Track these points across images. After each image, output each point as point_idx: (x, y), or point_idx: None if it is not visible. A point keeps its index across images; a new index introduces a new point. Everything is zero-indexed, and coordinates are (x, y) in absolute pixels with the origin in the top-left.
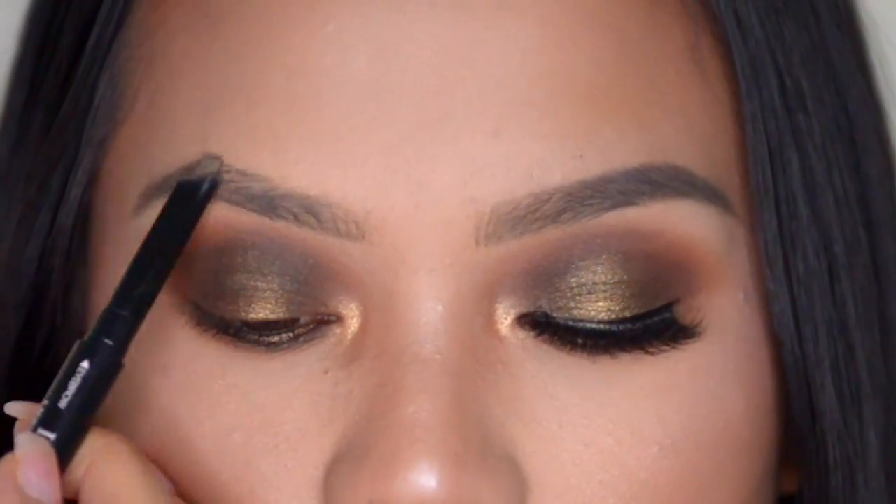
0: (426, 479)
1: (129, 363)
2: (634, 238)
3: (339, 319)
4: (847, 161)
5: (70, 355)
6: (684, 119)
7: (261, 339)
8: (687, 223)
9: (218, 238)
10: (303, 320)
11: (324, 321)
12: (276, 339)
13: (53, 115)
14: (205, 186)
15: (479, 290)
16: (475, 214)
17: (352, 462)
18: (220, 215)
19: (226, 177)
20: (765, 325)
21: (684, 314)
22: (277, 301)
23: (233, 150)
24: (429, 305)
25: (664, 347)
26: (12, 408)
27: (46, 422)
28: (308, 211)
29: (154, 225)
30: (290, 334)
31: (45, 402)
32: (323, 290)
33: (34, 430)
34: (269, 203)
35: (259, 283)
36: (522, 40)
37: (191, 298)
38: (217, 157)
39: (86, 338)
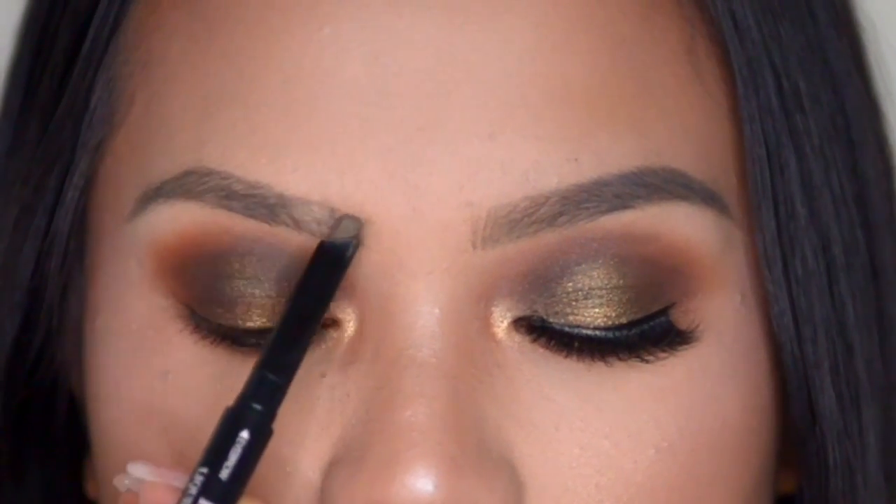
0: (423, 482)
1: (126, 369)
2: (630, 241)
3: (335, 323)
4: (845, 162)
5: (221, 422)
6: (680, 121)
7: (258, 343)
8: (683, 226)
9: (215, 245)
10: None
11: (321, 326)
12: None
13: (49, 118)
14: (350, 251)
15: (475, 293)
16: (472, 218)
17: (349, 465)
18: (217, 221)
19: (223, 183)
20: (763, 326)
21: (681, 318)
22: (274, 308)
23: (230, 156)
24: (425, 309)
25: (661, 354)
26: (138, 470)
27: (209, 493)
28: (306, 216)
29: (298, 287)
30: None
31: (204, 469)
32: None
33: (195, 501)
34: (268, 209)
35: (256, 290)
36: (518, 43)
37: (189, 304)
38: (358, 220)
39: (235, 404)
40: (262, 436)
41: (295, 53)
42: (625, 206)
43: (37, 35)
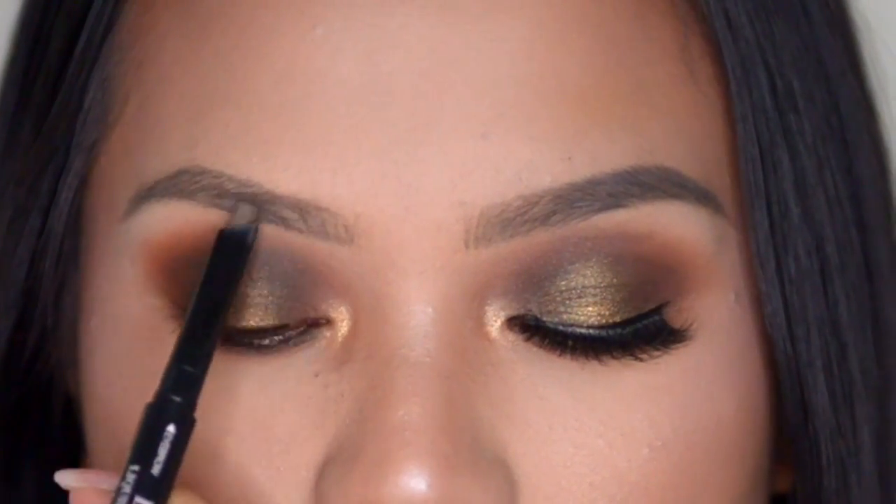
0: (416, 482)
1: (121, 369)
2: (624, 240)
3: (328, 323)
4: (839, 161)
5: (144, 418)
6: (674, 120)
7: (251, 343)
8: (677, 225)
9: (209, 244)
10: (292, 324)
11: (314, 324)
12: (266, 342)
13: (44, 118)
14: (250, 236)
15: (468, 292)
16: (464, 217)
17: (342, 465)
18: (210, 220)
19: (215, 182)
20: (756, 325)
21: (675, 317)
22: (267, 307)
23: (222, 156)
24: (418, 308)
25: (655, 353)
26: (66, 477)
27: (143, 489)
28: (298, 215)
29: (203, 277)
30: (280, 338)
31: (135, 467)
32: (313, 294)
33: (130, 499)
34: (260, 208)
35: (249, 290)
36: (511, 43)
37: (181, 304)
38: (253, 204)
39: (155, 399)
40: (185, 427)
41: (287, 53)
42: (618, 205)
43: (31, 35)
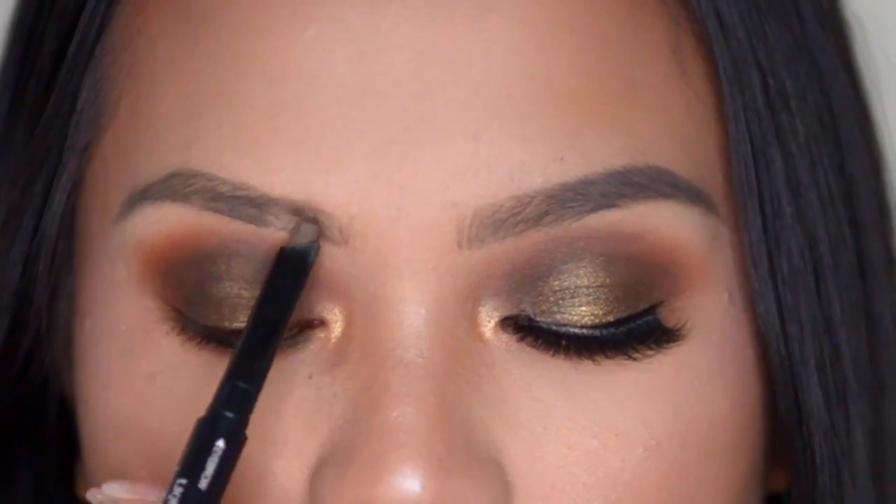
0: (410, 483)
1: (115, 371)
2: (617, 240)
3: (322, 324)
4: (832, 160)
5: (195, 432)
6: (666, 120)
7: None
8: (670, 225)
9: (202, 246)
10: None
11: (307, 326)
12: None
13: (37, 120)
14: (311, 256)
15: (462, 293)
16: (457, 218)
17: (336, 466)
18: (204, 223)
19: (208, 184)
20: (750, 325)
21: (668, 316)
22: None
23: (216, 158)
24: (412, 309)
25: (648, 352)
26: (114, 489)
27: (189, 503)
28: (292, 217)
29: (263, 294)
30: None
31: (183, 481)
32: (306, 297)
33: None
34: (254, 210)
35: (243, 292)
36: (503, 43)
37: (175, 306)
38: (315, 223)
39: (208, 413)
40: (236, 444)
41: (280, 55)
42: (611, 205)
43: (24, 37)
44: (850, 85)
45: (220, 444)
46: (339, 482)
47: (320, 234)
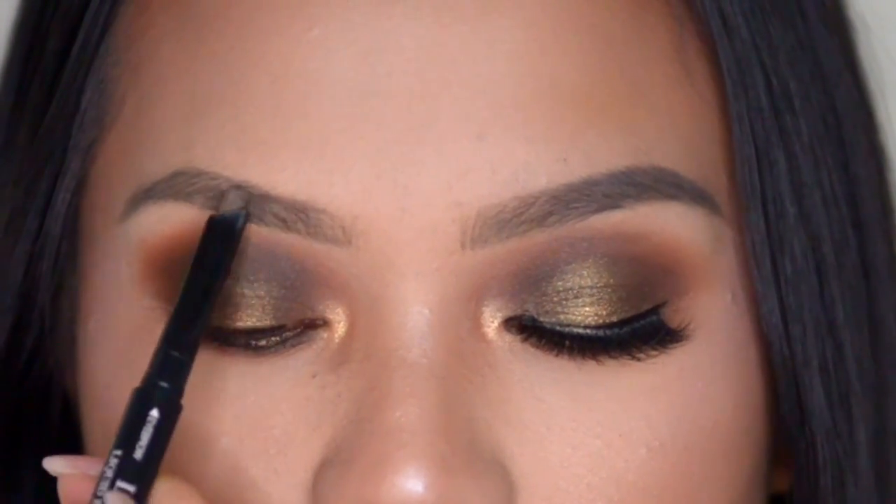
0: (413, 483)
1: (118, 370)
2: (620, 241)
3: (326, 324)
4: (835, 161)
5: (131, 403)
6: (670, 120)
7: (248, 343)
8: (673, 225)
9: None
10: (289, 325)
11: (311, 326)
12: (263, 343)
13: (40, 120)
14: (239, 222)
15: (465, 293)
16: (461, 218)
17: (340, 466)
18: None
19: (212, 183)
20: (753, 325)
21: (672, 317)
22: (264, 308)
23: (219, 157)
24: (415, 309)
25: (652, 352)
26: (54, 464)
27: (125, 473)
28: (296, 216)
29: (192, 263)
30: (278, 339)
31: (118, 452)
32: (310, 296)
33: (112, 484)
34: (257, 209)
35: (246, 291)
36: (507, 43)
37: None
38: (242, 189)
39: (142, 384)
40: (171, 413)
41: (284, 54)
42: (614, 206)
43: (27, 37)
44: (854, 85)
45: (155, 413)
46: (343, 482)
47: (248, 200)
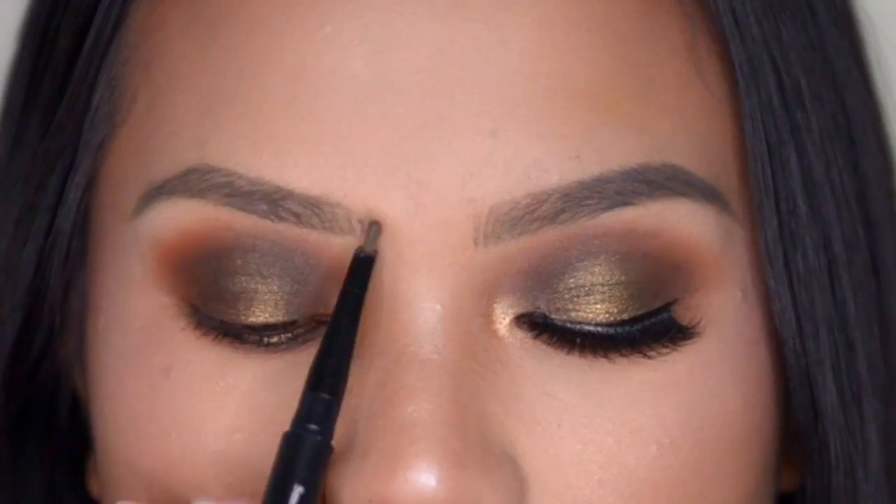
0: (426, 478)
1: (129, 367)
2: (632, 238)
3: None
4: (846, 159)
5: (284, 446)
6: (682, 118)
7: (260, 340)
8: (685, 223)
9: (218, 241)
10: (301, 320)
11: (322, 321)
12: (275, 339)
13: (51, 118)
14: (376, 259)
15: (477, 290)
16: (474, 215)
17: (352, 461)
18: (220, 218)
19: (225, 180)
20: (764, 323)
21: (683, 314)
22: (277, 304)
23: (232, 154)
24: (427, 305)
25: (663, 350)
26: None
27: None
28: (310, 211)
29: (339, 300)
30: (289, 334)
31: (271, 498)
32: (322, 290)
33: None
34: (270, 205)
35: (259, 286)
36: (520, 41)
37: (191, 302)
38: (377, 224)
39: (294, 427)
40: (325, 456)
41: (297, 51)
42: (626, 203)
43: (38, 35)
44: (863, 84)
45: (300, 490)
46: (355, 477)
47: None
